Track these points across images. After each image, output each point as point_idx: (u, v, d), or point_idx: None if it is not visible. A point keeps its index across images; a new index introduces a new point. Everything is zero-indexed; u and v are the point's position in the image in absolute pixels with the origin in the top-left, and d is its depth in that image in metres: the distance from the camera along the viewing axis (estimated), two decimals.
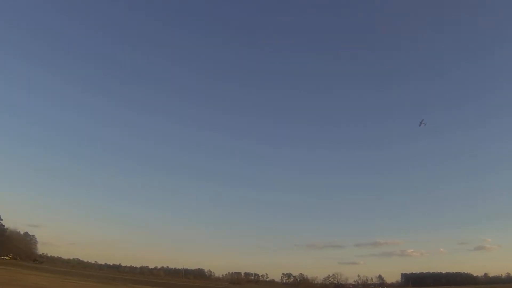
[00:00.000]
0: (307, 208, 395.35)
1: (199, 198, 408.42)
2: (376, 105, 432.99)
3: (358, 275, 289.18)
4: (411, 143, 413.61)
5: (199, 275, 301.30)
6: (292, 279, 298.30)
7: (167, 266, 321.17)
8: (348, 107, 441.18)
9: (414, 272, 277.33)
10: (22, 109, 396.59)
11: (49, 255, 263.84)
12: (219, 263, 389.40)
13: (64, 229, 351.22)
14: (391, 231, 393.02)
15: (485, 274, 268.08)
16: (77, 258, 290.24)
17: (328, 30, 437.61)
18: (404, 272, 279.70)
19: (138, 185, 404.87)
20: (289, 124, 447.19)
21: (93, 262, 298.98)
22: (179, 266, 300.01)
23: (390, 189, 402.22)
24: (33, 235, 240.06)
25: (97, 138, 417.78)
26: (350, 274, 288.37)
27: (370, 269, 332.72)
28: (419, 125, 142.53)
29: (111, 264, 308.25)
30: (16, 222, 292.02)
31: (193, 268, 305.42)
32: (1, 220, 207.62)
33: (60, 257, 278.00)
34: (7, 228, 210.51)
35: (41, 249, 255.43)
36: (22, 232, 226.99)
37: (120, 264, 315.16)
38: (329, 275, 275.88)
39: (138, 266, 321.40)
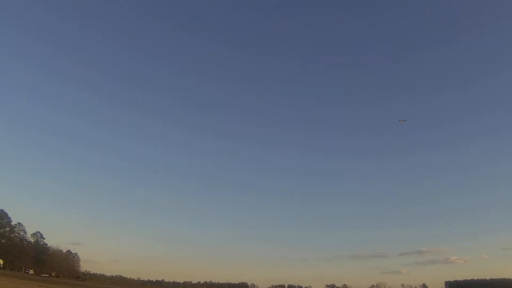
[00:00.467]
0: (351, 218, 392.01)
1: (240, 211, 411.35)
2: (416, 111, 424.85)
3: (402, 284, 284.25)
4: (453, 149, 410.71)
5: None
6: None
7: (210, 281, 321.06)
8: (385, 115, 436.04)
9: (458, 279, 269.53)
10: (62, 130, 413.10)
11: (91, 272, 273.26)
12: (262, 276, 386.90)
13: (105, 246, 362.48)
14: (435, 238, 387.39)
15: None
16: (119, 275, 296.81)
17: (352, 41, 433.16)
18: (448, 280, 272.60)
19: (177, 200, 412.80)
20: (327, 134, 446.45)
21: (135, 279, 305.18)
22: (222, 280, 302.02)
23: (433, 197, 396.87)
24: (76, 253, 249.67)
25: (136, 155, 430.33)
26: (394, 284, 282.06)
27: (413, 278, 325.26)
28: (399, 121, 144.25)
29: (154, 280, 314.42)
30: (59, 241, 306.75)
31: (236, 282, 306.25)
32: (44, 239, 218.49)
33: (103, 274, 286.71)
34: (50, 247, 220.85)
35: (84, 267, 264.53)
36: (64, 250, 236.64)
37: (163, 280, 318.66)
38: (372, 285, 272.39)
39: (181, 281, 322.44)
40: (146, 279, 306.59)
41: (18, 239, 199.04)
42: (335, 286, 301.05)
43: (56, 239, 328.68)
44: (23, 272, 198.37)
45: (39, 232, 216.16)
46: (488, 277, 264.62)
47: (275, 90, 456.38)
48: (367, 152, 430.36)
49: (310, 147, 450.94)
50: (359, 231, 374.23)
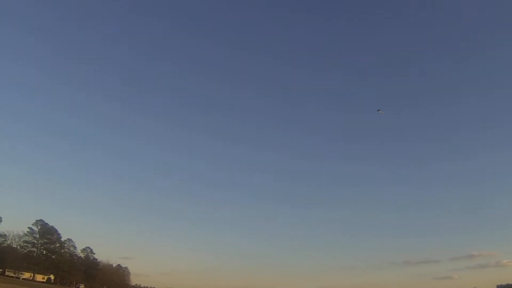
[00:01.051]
0: (400, 224, 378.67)
1: (289, 221, 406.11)
2: (460, 116, 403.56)
3: None
4: (500, 152, 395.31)
5: None
6: None
7: None
8: (437, 120, 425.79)
9: (510, 283, 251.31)
10: (112, 147, 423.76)
11: (142, 285, 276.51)
12: (314, 285, 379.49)
13: (155, 259, 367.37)
14: (486, 242, 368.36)
15: None
16: None
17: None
18: (500, 284, 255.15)
19: (227, 213, 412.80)
20: (376, 142, 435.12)
21: None
22: None
23: (482, 200, 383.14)
24: (126, 267, 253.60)
25: (185, 170, 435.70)
26: None
27: (465, 283, 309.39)
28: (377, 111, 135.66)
29: None
30: (109, 255, 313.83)
31: None
32: (94, 254, 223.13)
33: (154, 287, 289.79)
34: (100, 262, 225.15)
35: (134, 280, 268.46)
36: (114, 265, 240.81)
37: None
38: None
39: None
40: None
41: (68, 254, 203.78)
42: None
43: (106, 254, 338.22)
44: (74, 287, 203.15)
45: (89, 247, 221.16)
46: None
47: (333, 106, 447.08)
48: (418, 158, 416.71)
49: (357, 155, 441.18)
50: (409, 237, 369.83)
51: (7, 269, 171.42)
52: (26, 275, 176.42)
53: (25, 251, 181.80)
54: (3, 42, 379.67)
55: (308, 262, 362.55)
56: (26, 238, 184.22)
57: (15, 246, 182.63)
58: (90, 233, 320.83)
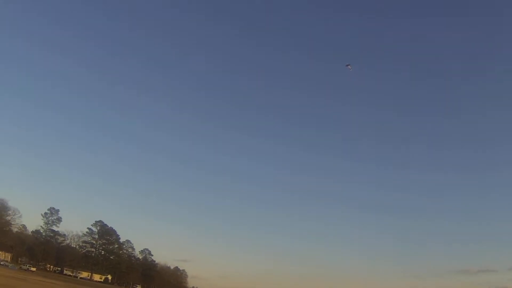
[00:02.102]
0: (456, 232, 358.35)
1: (342, 227, 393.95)
2: None
3: None
4: None
5: None
6: None
7: None
8: (492, 128, 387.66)
9: None
10: (169, 150, 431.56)
11: None
12: None
13: (213, 262, 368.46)
14: None
15: None
16: None
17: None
18: None
19: (286, 216, 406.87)
20: (435, 149, 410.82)
21: None
22: None
23: None
24: (183, 270, 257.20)
25: (244, 173, 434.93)
26: None
27: None
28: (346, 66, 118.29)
29: None
30: (166, 258, 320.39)
31: None
32: (152, 255, 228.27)
33: None
34: (157, 263, 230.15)
35: (191, 283, 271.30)
36: (172, 267, 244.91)
37: None
38: None
39: None
40: None
41: (126, 255, 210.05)
42: None
43: (164, 256, 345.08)
44: (131, 287, 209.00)
45: (147, 249, 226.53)
46: None
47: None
48: (480, 164, 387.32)
49: (410, 162, 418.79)
50: (466, 245, 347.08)
51: (65, 268, 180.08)
52: (84, 274, 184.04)
53: (83, 251, 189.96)
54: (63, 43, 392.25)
55: (368, 267, 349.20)
56: (85, 238, 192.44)
57: (74, 246, 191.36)
58: (149, 235, 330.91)
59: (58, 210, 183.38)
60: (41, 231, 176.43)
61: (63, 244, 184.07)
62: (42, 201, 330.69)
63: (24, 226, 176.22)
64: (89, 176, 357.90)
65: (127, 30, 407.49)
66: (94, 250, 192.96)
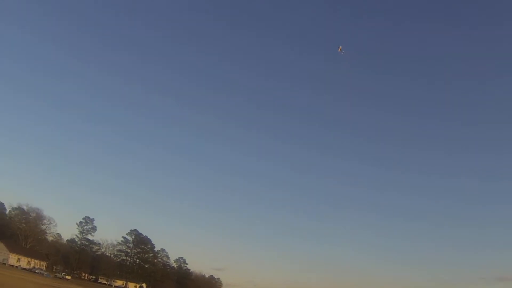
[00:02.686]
0: (495, 238, 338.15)
1: (371, 232, 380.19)
2: None
3: None
4: None
5: None
6: None
7: None
8: None
9: None
10: (203, 155, 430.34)
11: None
12: None
13: (248, 271, 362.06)
14: None
15: None
16: None
17: None
18: None
19: (320, 225, 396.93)
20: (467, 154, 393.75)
21: None
22: None
23: None
24: (218, 278, 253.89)
25: (279, 179, 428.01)
26: None
27: None
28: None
29: None
30: (201, 266, 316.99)
31: None
32: (187, 264, 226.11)
33: None
34: (192, 272, 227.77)
35: None
36: (207, 276, 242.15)
37: None
38: None
39: None
40: None
41: (161, 264, 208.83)
42: None
43: (199, 264, 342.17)
44: None
45: (182, 257, 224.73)
46: None
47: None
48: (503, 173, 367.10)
49: (446, 168, 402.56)
50: (505, 251, 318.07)
51: (100, 277, 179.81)
52: (119, 282, 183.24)
53: (118, 260, 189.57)
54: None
55: (400, 274, 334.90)
56: (120, 247, 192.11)
57: (109, 254, 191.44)
58: (184, 243, 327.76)
59: (93, 219, 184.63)
60: (76, 240, 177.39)
61: (98, 252, 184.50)
62: (77, 209, 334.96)
63: (59, 235, 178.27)
64: (123, 184, 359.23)
65: (148, 32, 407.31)
66: (129, 258, 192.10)
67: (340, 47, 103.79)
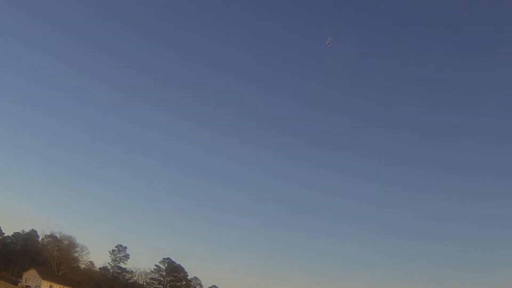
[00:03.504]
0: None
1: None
2: None
3: None
4: None
5: None
6: None
7: None
8: None
9: None
10: (235, 181, 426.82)
11: None
12: None
13: None
14: None
15: None
16: None
17: None
18: None
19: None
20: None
21: None
22: None
23: None
24: None
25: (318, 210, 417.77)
26: None
27: None
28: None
29: None
30: None
31: None
32: None
33: None
34: None
35: None
36: None
37: None
38: None
39: None
40: None
41: None
42: None
43: None
44: None
45: (215, 285, 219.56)
46: None
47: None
48: None
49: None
50: None
51: None
52: None
53: None
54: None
55: None
56: (153, 275, 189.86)
57: (142, 282, 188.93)
58: (217, 271, 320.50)
59: (125, 248, 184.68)
60: (109, 267, 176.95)
61: (131, 280, 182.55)
62: (110, 237, 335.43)
63: (91, 262, 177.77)
64: (156, 211, 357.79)
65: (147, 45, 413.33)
66: (161, 286, 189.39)
67: (329, 40, 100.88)
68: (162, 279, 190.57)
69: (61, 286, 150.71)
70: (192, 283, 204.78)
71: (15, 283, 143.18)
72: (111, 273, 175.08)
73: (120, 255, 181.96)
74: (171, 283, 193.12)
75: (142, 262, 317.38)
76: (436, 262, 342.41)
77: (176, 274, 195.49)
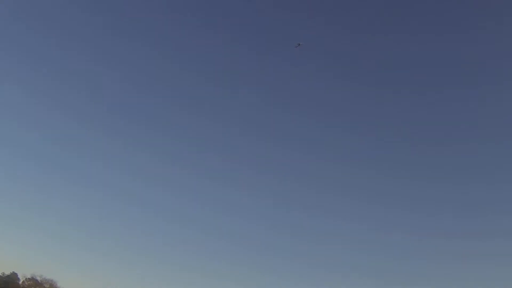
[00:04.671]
0: None
1: None
2: None
3: None
4: None
5: None
6: None
7: None
8: None
9: None
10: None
11: None
12: None
13: None
14: None
15: None
16: None
17: None
18: None
19: None
20: None
21: None
22: None
23: None
24: None
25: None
26: None
27: None
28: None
29: None
30: None
31: None
32: None
33: None
34: None
35: None
36: None
37: None
38: None
39: None
40: None
41: None
42: None
43: None
44: None
45: None
46: None
47: None
48: None
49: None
50: None
51: None
52: None
53: None
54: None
55: None
56: None
57: None
58: None
59: None
60: None
61: None
62: (92, 281, 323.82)
63: None
64: (140, 257, 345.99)
65: None
66: None
67: (300, 43, 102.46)
68: None
69: None
70: None
71: None
72: None
73: None
74: None
75: None
76: None
77: None
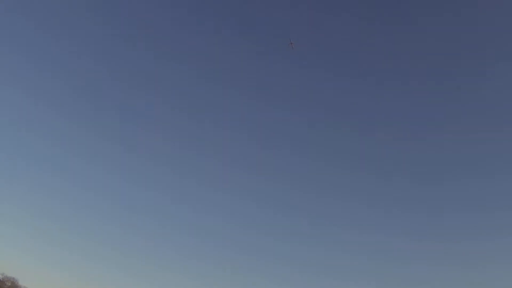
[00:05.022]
0: None
1: None
2: None
3: None
4: None
5: None
6: None
7: None
8: None
9: None
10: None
11: None
12: None
13: None
14: None
15: None
16: None
17: None
18: None
19: None
20: None
21: None
22: None
23: None
24: None
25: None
26: None
27: None
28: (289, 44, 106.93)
29: None
30: None
31: None
32: None
33: None
34: None
35: None
36: None
37: None
38: None
39: None
40: None
41: None
42: None
43: None
44: None
45: None
46: None
47: None
48: None
49: None
50: None
51: None
52: None
53: None
54: None
55: None
56: None
57: None
58: None
59: None
60: None
61: None
62: (56, 279, 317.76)
63: None
64: (112, 251, 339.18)
65: None
66: None
67: (292, 43, 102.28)
68: None
69: None
70: None
71: None
72: None
73: None
74: None
75: None
76: None
77: None
